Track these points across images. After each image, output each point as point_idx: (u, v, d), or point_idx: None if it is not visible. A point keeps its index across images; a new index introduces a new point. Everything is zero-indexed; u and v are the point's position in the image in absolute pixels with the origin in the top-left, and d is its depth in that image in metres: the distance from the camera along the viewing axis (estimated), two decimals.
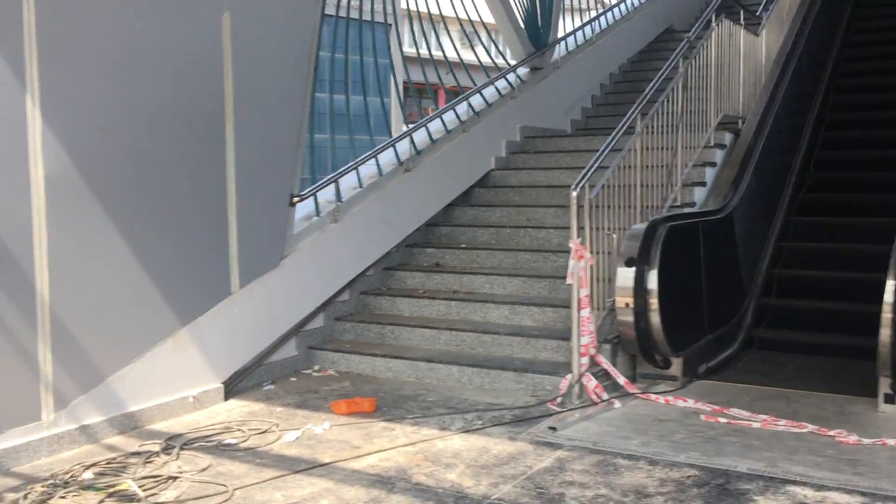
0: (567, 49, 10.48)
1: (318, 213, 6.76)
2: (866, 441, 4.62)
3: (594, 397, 5.45)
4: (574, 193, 5.57)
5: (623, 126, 6.41)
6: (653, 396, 5.56)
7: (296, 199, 6.34)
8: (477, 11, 9.21)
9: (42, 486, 4.15)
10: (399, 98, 8.86)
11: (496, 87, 9.13)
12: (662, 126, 6.87)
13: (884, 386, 5.18)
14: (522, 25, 9.53)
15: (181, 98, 5.36)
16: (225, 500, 3.99)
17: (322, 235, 6.72)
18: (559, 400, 5.45)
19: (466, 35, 9.12)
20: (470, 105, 8.67)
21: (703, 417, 5.12)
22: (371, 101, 7.87)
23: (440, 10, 8.87)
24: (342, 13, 7.51)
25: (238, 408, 5.59)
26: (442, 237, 8.15)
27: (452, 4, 9.01)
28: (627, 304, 5.62)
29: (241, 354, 5.96)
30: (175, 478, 4.26)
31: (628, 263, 5.66)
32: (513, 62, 9.56)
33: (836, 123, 9.45)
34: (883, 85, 9.67)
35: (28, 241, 4.55)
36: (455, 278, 7.27)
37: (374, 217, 7.32)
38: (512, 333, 6.28)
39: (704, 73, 7.62)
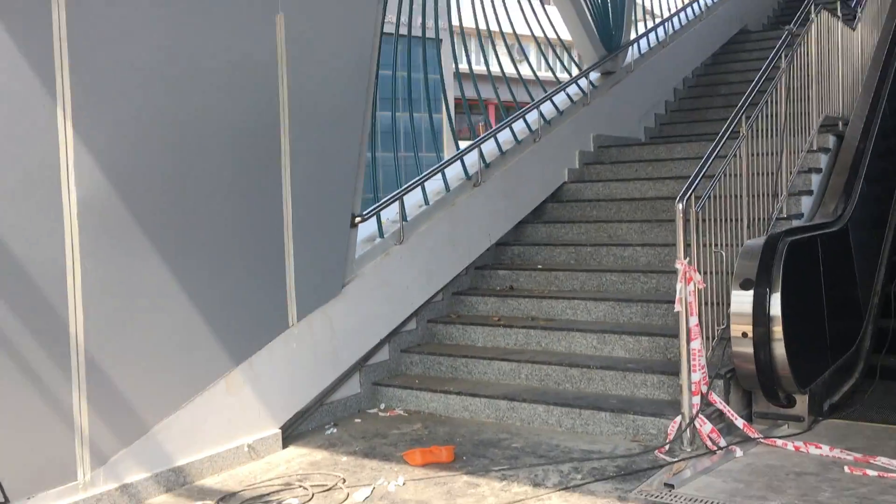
0: (640, 52, 9.75)
1: (381, 234, 6.11)
2: None
3: (709, 444, 4.67)
4: (680, 206, 4.81)
5: (728, 129, 5.63)
6: (779, 442, 4.75)
7: (358, 220, 5.70)
8: (530, 26, 8.59)
9: None
10: (449, 114, 8.17)
11: (567, 94, 8.42)
12: (766, 129, 6.09)
13: None
14: (593, 26, 8.81)
15: (231, 109, 4.76)
16: None
17: (386, 259, 6.07)
18: (668, 447, 4.69)
19: (523, 50, 8.42)
20: (540, 113, 7.96)
21: (847, 469, 4.29)
22: (434, 118, 7.20)
23: (513, 28, 8.30)
24: (391, 30, 6.89)
25: (298, 457, 4.94)
26: (514, 258, 7.44)
27: (526, 20, 8.43)
28: (745, 334, 4.83)
29: (301, 395, 5.32)
30: None
31: (744, 286, 4.87)
32: (574, 72, 8.82)
33: None
34: None
35: (60, 276, 3.96)
36: (532, 303, 6.54)
37: (441, 237, 6.64)
38: (604, 367, 5.53)
39: (805, 70, 6.83)
